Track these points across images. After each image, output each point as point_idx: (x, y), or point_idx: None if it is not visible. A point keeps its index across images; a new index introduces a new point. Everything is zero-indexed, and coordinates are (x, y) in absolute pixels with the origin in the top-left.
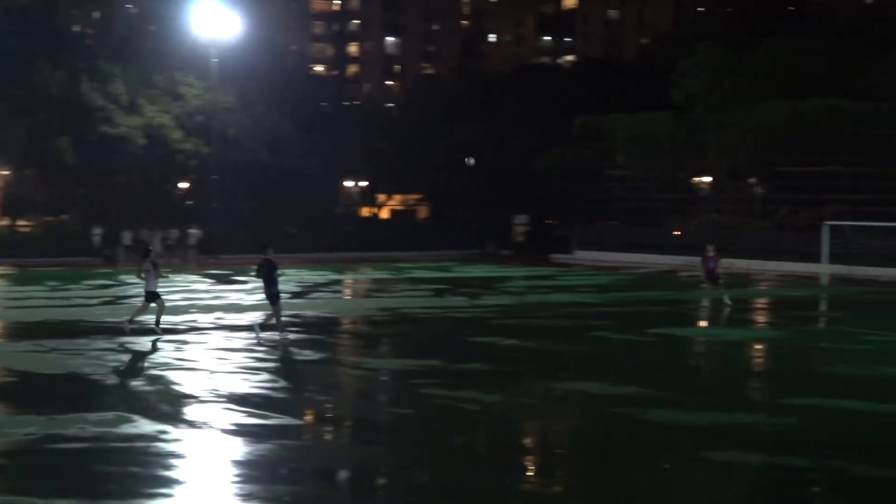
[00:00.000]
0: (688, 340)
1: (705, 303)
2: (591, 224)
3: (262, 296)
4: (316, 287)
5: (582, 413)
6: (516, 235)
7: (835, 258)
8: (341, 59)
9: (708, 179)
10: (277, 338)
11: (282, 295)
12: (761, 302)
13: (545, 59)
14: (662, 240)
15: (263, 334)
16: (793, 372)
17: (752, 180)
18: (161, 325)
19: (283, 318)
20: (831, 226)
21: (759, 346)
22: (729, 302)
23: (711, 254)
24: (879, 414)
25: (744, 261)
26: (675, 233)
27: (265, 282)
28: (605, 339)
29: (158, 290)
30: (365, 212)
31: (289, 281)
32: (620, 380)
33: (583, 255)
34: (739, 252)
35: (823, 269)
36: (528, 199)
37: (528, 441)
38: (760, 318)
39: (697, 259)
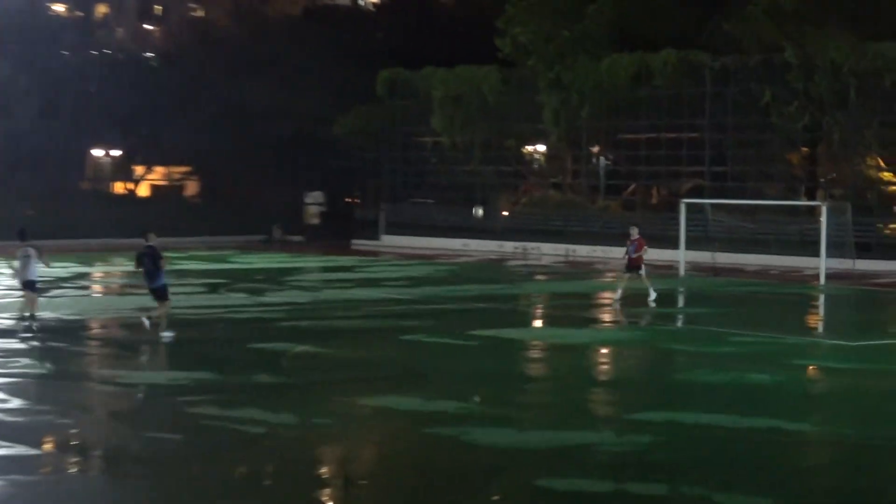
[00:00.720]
0: (519, 344)
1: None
2: (400, 203)
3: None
4: (57, 282)
5: (392, 435)
6: (309, 217)
7: (694, 243)
8: None
9: (542, 148)
10: (167, 336)
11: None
12: (607, 297)
13: (343, 1)
14: (488, 222)
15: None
16: (645, 381)
17: (595, 149)
18: None
19: (151, 317)
20: (689, 204)
21: (605, 351)
22: (653, 299)
23: (634, 237)
24: (747, 430)
25: (586, 246)
26: (504, 213)
27: (148, 275)
28: (419, 344)
29: None
30: (118, 188)
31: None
32: (438, 393)
33: (391, 241)
34: (581, 236)
35: (681, 256)
36: (324, 172)
37: (324, 471)
38: (606, 317)
39: (531, 245)
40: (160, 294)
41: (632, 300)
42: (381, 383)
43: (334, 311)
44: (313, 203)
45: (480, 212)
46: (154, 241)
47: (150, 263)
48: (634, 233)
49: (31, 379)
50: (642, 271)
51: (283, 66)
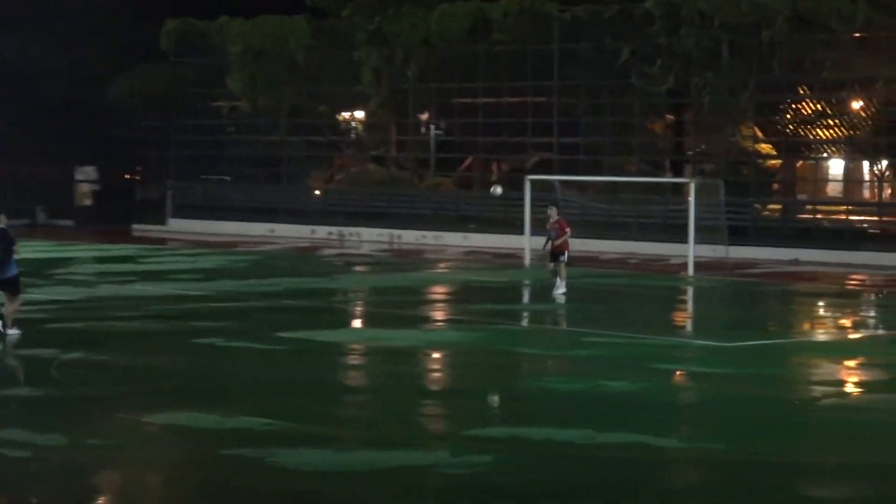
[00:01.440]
0: (337, 349)
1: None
2: (191, 181)
3: None
4: None
5: (184, 458)
6: (80, 197)
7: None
8: None
9: (361, 115)
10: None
11: None
12: (441, 292)
13: None
14: (298, 203)
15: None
16: (486, 391)
17: (423, 116)
18: None
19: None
20: (535, 181)
21: (438, 355)
22: (561, 293)
23: (554, 219)
24: (605, 447)
25: (414, 232)
26: (316, 192)
27: None
28: (216, 350)
29: None
30: None
31: None
32: (241, 408)
33: (181, 226)
34: (408, 220)
35: (526, 243)
36: (98, 143)
37: (103, 502)
38: (440, 316)
39: (349, 230)
40: (13, 286)
41: (481, 295)
42: (170, 397)
43: (112, 310)
44: (85, 180)
45: (499, 190)
46: (4, 223)
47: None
48: (554, 214)
49: None
50: (563, 258)
51: (47, 16)
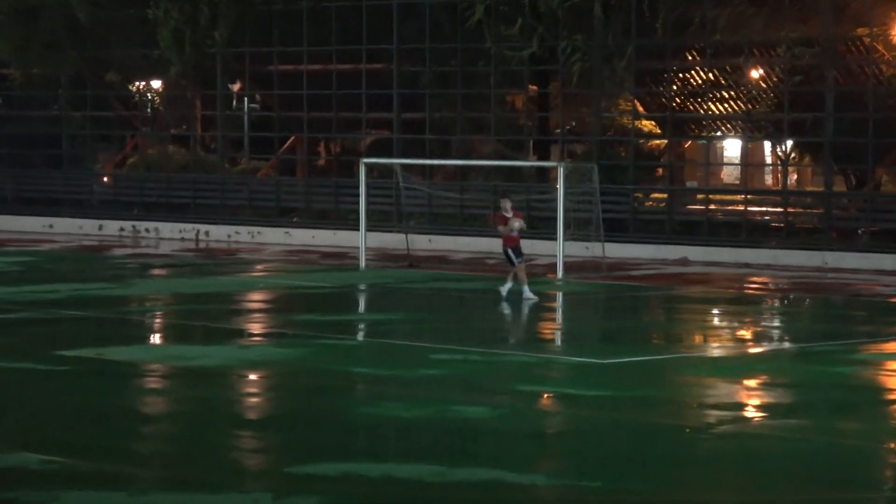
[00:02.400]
0: (131, 369)
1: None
2: None
3: None
4: None
5: None
6: None
7: (380, 221)
8: None
9: (159, 85)
10: None
11: None
12: (258, 300)
13: None
14: (82, 192)
15: None
16: (313, 418)
17: (235, 87)
18: None
19: None
20: (371, 165)
21: (255, 377)
22: (531, 295)
23: (509, 213)
24: (457, 485)
25: (225, 227)
26: (104, 179)
27: None
28: None
29: None
30: None
31: None
32: (13, 442)
33: None
34: (217, 212)
35: (361, 240)
36: None
37: None
38: (257, 328)
39: (144, 225)
40: None
41: (307, 304)
42: None
43: None
44: None
45: (509, 205)
46: None
47: None
48: (507, 206)
49: None
50: (521, 259)
51: None
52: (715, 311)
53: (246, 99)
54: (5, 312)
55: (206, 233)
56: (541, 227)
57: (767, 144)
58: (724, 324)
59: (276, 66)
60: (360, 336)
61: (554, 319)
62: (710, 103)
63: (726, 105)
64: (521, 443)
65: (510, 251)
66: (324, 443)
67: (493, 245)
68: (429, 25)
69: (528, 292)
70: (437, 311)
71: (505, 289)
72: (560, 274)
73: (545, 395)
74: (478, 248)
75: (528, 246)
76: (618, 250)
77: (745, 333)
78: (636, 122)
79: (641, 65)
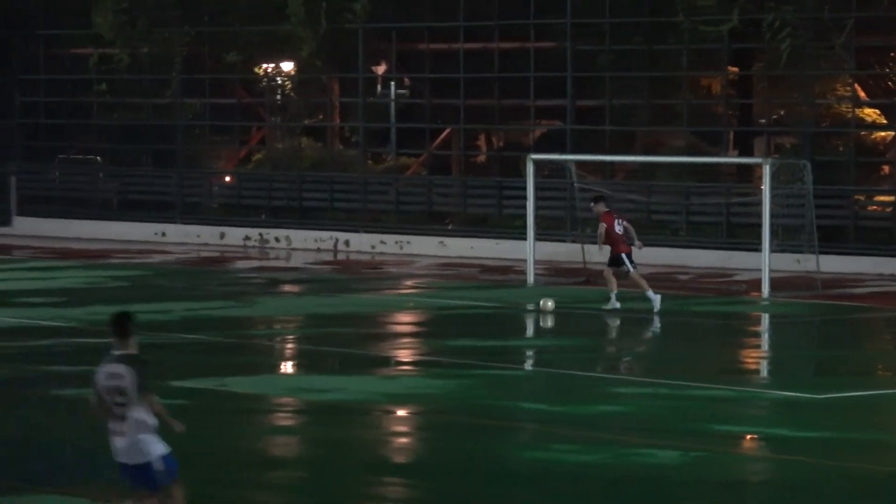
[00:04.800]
0: (256, 404)
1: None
2: (44, 162)
3: None
4: None
5: None
6: None
7: (551, 227)
8: None
9: (289, 67)
10: None
11: None
12: (406, 322)
13: None
14: (199, 194)
15: None
16: (470, 464)
17: (379, 69)
18: None
19: None
20: (540, 162)
21: (403, 414)
22: (616, 305)
23: (605, 210)
24: None
25: (367, 236)
26: (226, 179)
27: None
28: (76, 404)
29: None
30: None
31: None
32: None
33: (29, 227)
34: (357, 218)
35: (528, 250)
36: None
37: None
38: (405, 356)
39: (273, 233)
40: None
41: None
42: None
43: None
44: None
45: (550, 305)
46: None
47: None
48: (601, 207)
49: None
50: (627, 266)
51: None
52: None
53: (392, 84)
54: (108, 336)
55: (346, 242)
56: (742, 235)
57: None
58: None
59: (428, 45)
60: (526, 365)
61: (758, 346)
62: None
63: None
64: (717, 495)
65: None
66: (481, 494)
67: (685, 258)
68: None
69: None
70: (616, 336)
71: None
72: (766, 292)
73: (747, 438)
74: (667, 261)
75: (725, 258)
76: (835, 264)
77: None
78: (857, 111)
79: (863, 41)
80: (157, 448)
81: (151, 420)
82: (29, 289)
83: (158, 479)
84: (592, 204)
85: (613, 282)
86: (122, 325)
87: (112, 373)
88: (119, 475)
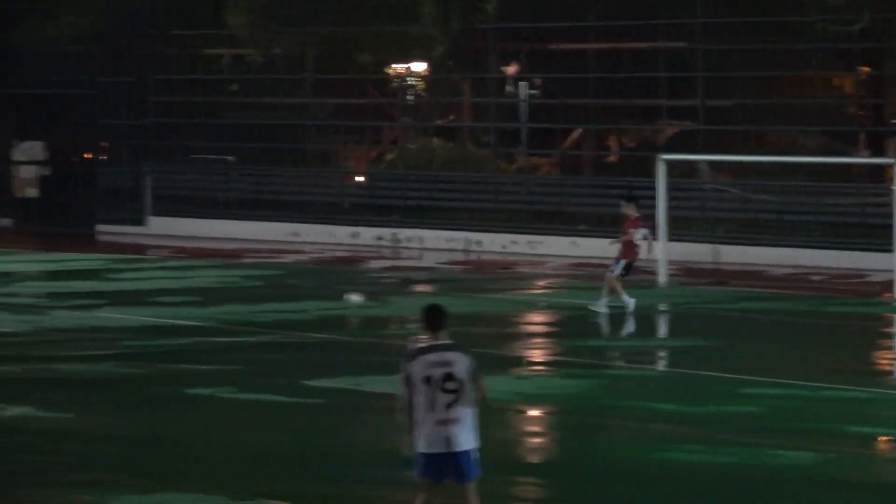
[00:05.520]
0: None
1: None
2: (179, 162)
3: None
4: None
5: None
6: (21, 186)
7: (682, 228)
8: None
9: (421, 68)
10: None
11: None
12: (538, 322)
13: None
14: (332, 194)
15: None
16: (601, 464)
17: (510, 69)
18: None
19: None
20: (671, 162)
21: (534, 413)
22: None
23: (635, 215)
24: None
25: (500, 236)
26: (358, 179)
27: None
28: (217, 404)
29: None
30: None
31: None
32: (252, 489)
33: (165, 227)
34: (489, 218)
35: (660, 251)
36: (40, 107)
37: None
38: (536, 356)
39: (406, 234)
40: None
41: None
42: (143, 472)
43: (70, 347)
44: (28, 162)
45: (354, 298)
46: None
47: None
48: (632, 210)
49: None
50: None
51: None
52: None
53: (523, 84)
54: (243, 335)
55: (478, 242)
56: (876, 236)
57: None
58: None
59: (559, 45)
60: (658, 366)
61: (892, 348)
62: None
63: None
64: (853, 497)
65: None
66: (612, 494)
67: (818, 259)
68: None
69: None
70: (749, 336)
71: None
72: None
73: (882, 439)
74: (800, 262)
75: (859, 259)
76: None
77: None
78: None
79: None
80: (474, 438)
81: (473, 409)
82: (163, 288)
83: (471, 471)
84: (624, 203)
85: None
86: (436, 316)
87: (441, 361)
88: (421, 468)
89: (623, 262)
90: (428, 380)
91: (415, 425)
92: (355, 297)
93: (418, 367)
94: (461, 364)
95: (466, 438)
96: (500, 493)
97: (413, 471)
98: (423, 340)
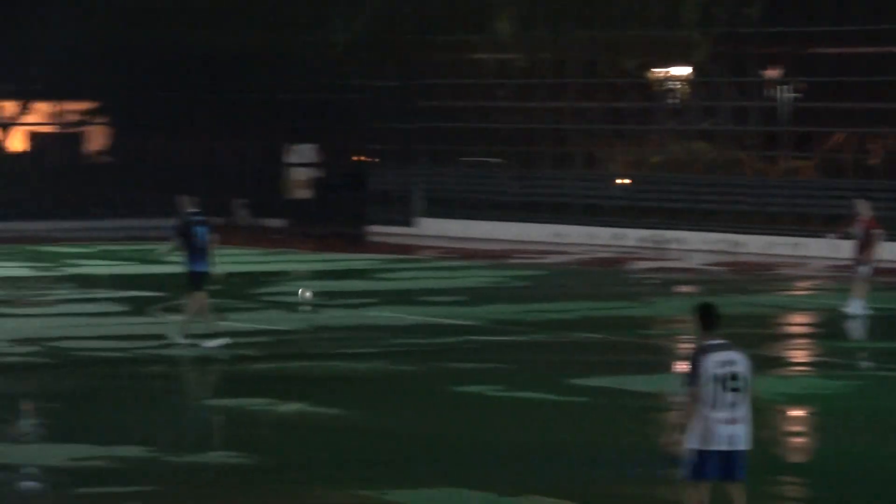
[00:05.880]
0: (655, 402)
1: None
2: (447, 165)
3: None
4: None
5: None
6: (294, 188)
7: None
8: None
9: (685, 72)
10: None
11: None
12: (800, 322)
13: None
14: (595, 196)
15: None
16: (867, 465)
17: (772, 72)
18: None
19: None
20: None
21: (798, 413)
22: (859, 311)
23: (866, 217)
24: None
25: (762, 238)
26: (621, 182)
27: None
28: (485, 401)
29: None
30: None
31: None
32: (523, 485)
33: (434, 228)
34: (751, 220)
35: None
36: (314, 112)
37: None
38: (798, 356)
39: (668, 235)
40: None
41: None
42: (424, 468)
43: (342, 345)
44: (301, 164)
45: (308, 295)
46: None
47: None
48: (865, 210)
49: None
50: (865, 268)
51: None
52: None
53: (784, 87)
54: (511, 334)
55: (740, 244)
56: None
57: None
58: None
59: (819, 49)
60: None
61: None
62: None
63: None
64: None
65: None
66: (877, 495)
67: None
68: None
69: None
70: None
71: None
72: None
73: None
74: None
75: None
76: None
77: None
78: None
79: None
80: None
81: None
82: (431, 288)
83: (742, 470)
84: (860, 202)
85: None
86: (712, 315)
87: (727, 359)
88: (695, 466)
89: (870, 264)
90: (715, 377)
91: (693, 422)
92: (308, 294)
93: (710, 364)
94: (743, 363)
95: (746, 438)
96: (766, 493)
97: (681, 468)
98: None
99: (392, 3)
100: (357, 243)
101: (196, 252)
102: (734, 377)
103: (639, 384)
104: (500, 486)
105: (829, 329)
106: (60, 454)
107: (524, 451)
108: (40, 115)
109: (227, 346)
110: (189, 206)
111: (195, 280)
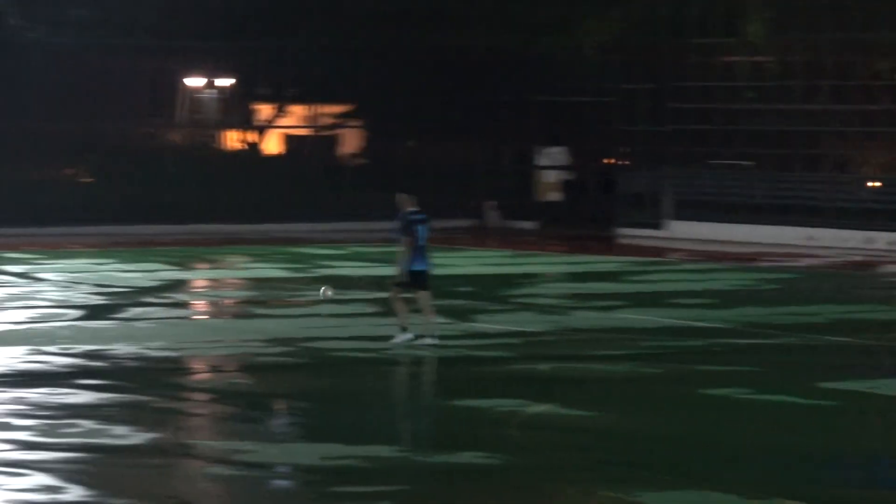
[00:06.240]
0: None
1: None
2: (696, 167)
3: None
4: (136, 295)
5: None
6: (545, 190)
7: None
8: None
9: None
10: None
11: None
12: None
13: None
14: (846, 199)
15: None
16: None
17: None
18: None
19: None
20: None
21: None
22: None
23: None
24: None
25: None
26: (873, 185)
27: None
28: (733, 404)
29: None
30: (233, 139)
31: (72, 282)
32: (769, 489)
33: (684, 231)
34: None
35: None
36: (564, 114)
37: None
38: None
39: None
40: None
41: None
42: (664, 470)
43: (591, 346)
44: (552, 166)
45: (329, 294)
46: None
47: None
48: None
49: (97, 454)
50: None
51: None
52: None
53: None
54: (760, 337)
55: None
56: None
57: None
58: None
59: None
60: None
61: None
62: None
63: None
64: None
65: None
66: None
67: None
68: None
69: None
70: None
71: None
72: None
73: None
74: None
75: None
76: None
77: None
78: None
79: None
80: None
81: None
82: (682, 290)
83: None
84: None
85: None
86: None
87: None
88: None
89: None
90: None
91: None
92: (329, 293)
93: None
94: None
95: None
96: None
97: None
98: None
99: (645, 5)
100: (607, 246)
101: (416, 251)
102: None
103: (891, 388)
104: (746, 489)
105: None
106: (312, 453)
107: (771, 455)
108: (295, 118)
109: (434, 346)
110: (409, 205)
111: (417, 279)
